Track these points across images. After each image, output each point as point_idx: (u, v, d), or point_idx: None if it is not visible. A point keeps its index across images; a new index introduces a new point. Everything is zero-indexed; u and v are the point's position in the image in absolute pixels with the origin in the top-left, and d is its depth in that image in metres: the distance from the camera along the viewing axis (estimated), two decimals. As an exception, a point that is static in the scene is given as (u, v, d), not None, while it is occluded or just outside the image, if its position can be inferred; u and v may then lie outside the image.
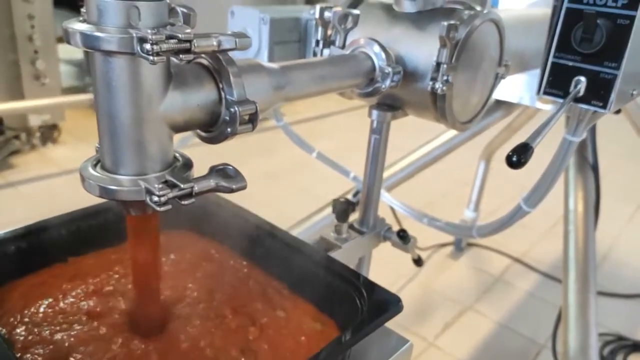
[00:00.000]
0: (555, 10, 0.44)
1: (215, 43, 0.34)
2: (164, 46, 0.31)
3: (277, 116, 0.90)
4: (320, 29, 0.62)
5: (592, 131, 0.94)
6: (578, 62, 0.44)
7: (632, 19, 0.39)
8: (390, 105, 0.62)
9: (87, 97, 2.42)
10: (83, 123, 2.87)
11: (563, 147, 0.57)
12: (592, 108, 0.45)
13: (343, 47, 0.59)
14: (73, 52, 3.99)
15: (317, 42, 0.63)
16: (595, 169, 0.93)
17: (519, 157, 0.42)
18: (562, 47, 0.45)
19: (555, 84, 0.46)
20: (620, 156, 1.41)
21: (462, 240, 1.97)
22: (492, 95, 0.62)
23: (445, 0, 0.61)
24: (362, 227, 0.68)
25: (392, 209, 1.08)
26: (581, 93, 0.45)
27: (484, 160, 1.85)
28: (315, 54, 0.63)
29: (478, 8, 0.62)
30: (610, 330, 1.63)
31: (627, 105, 1.31)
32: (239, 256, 0.55)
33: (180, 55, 0.33)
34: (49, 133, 2.60)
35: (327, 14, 0.61)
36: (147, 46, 0.31)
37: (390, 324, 1.33)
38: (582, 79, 0.44)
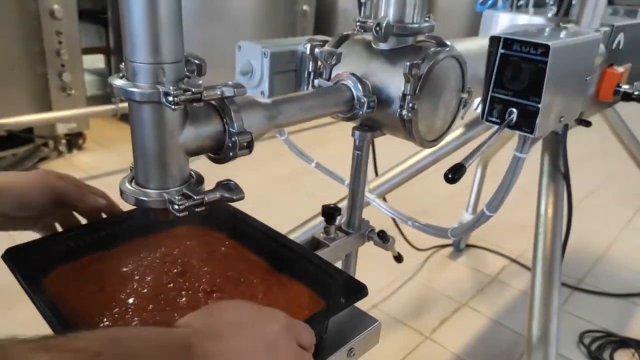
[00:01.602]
0: (491, 55, 0.55)
1: (219, 92, 0.47)
2: (182, 97, 0.44)
3: (281, 131, 1.02)
4: (311, 62, 0.75)
5: (564, 142, 1.04)
6: (510, 97, 0.55)
7: (546, 63, 0.50)
8: (370, 126, 0.73)
9: (109, 107, 2.58)
10: (106, 131, 3.04)
11: (514, 162, 0.68)
12: (523, 133, 0.56)
13: (329, 79, 0.71)
14: (96, 62, 4.18)
15: (309, 73, 0.76)
16: (566, 176, 1.03)
17: (453, 175, 0.53)
18: (498, 84, 0.56)
19: (494, 113, 0.58)
20: (622, 160, 1.49)
21: (460, 241, 2.07)
22: (457, 116, 0.74)
23: (416, 39, 0.72)
24: (348, 229, 0.79)
25: (393, 220, 1.16)
26: (514, 121, 0.56)
27: (481, 166, 1.95)
28: (307, 83, 0.76)
29: (448, 42, 0.73)
30: (601, 327, 1.71)
31: (608, 114, 1.41)
32: (255, 255, 0.64)
33: (194, 103, 0.45)
34: (75, 140, 2.77)
35: (316, 51, 0.73)
36: (170, 98, 0.43)
37: (387, 317, 1.52)
38: (514, 110, 0.55)
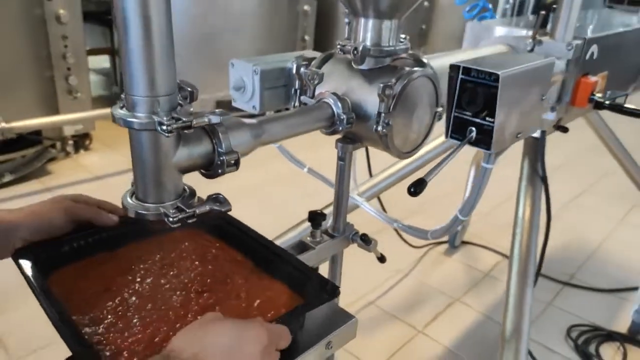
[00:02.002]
0: (452, 80, 0.62)
1: (207, 120, 0.53)
2: (174, 126, 0.50)
3: (273, 139, 1.08)
4: (297, 81, 0.81)
5: (542, 148, 1.10)
6: (470, 117, 0.61)
7: (497, 88, 0.56)
8: (352, 139, 0.80)
9: (115, 109, 2.65)
10: (112, 132, 3.11)
11: (482, 172, 0.74)
12: (481, 149, 0.62)
13: (313, 96, 0.78)
14: (102, 62, 4.26)
15: (295, 90, 0.82)
16: (544, 179, 1.10)
17: (415, 189, 0.60)
18: (459, 106, 0.62)
19: (457, 131, 0.64)
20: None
21: (455, 238, 2.13)
22: (432, 129, 0.80)
23: (392, 59, 0.78)
24: (333, 232, 0.86)
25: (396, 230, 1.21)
26: (473, 139, 0.62)
27: (474, 165, 2.01)
28: (294, 99, 0.82)
29: (425, 60, 0.79)
30: (588, 321, 1.78)
31: (592, 118, 1.46)
32: (242, 257, 0.71)
33: (185, 130, 0.52)
34: (81, 141, 2.85)
35: (302, 70, 0.80)
36: (163, 127, 0.50)
37: (382, 313, 1.61)
38: (473, 128, 0.62)
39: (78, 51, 2.65)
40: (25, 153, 2.54)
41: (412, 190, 0.60)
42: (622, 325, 1.76)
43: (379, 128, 0.71)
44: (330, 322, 0.65)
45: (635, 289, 1.77)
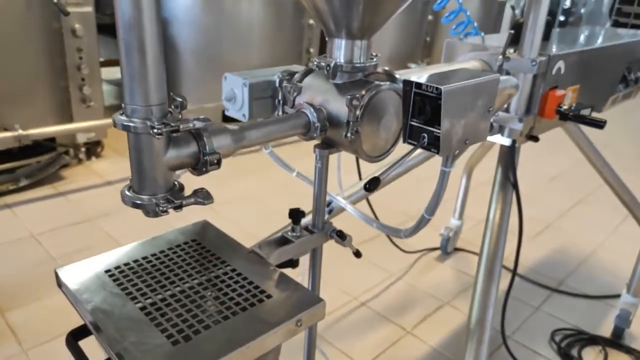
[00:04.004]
0: (407, 93, 0.71)
1: (192, 125, 0.64)
2: (164, 130, 0.61)
3: (265, 146, 1.19)
4: (280, 93, 0.91)
5: (512, 156, 1.19)
6: (422, 125, 0.71)
7: (441, 99, 0.66)
8: (328, 145, 0.90)
9: (125, 118, 2.78)
10: (123, 140, 3.24)
11: (441, 175, 0.84)
12: (433, 153, 0.72)
13: (293, 106, 0.88)
14: (115, 73, 4.43)
15: (279, 101, 0.92)
16: (515, 186, 1.18)
17: (370, 186, 0.69)
18: (412, 115, 0.72)
19: (412, 137, 0.73)
20: (617, 167, 1.62)
21: (447, 244, 2.21)
22: (400, 136, 0.89)
23: (365, 73, 0.88)
24: (313, 228, 0.95)
25: (389, 238, 1.31)
26: (426, 143, 0.71)
27: (466, 174, 2.09)
28: (278, 109, 0.92)
29: (397, 75, 0.89)
30: (573, 326, 1.84)
31: (571, 131, 1.54)
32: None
33: (173, 134, 0.62)
34: (94, 148, 2.99)
35: (284, 84, 0.90)
36: (155, 130, 0.60)
37: (373, 314, 1.73)
38: (425, 135, 0.71)
39: (92, 63, 2.79)
40: (40, 159, 2.68)
41: (367, 186, 0.70)
42: (605, 330, 1.82)
43: (349, 135, 0.81)
44: (302, 304, 0.74)
45: (620, 295, 1.83)
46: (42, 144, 2.72)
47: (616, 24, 7.08)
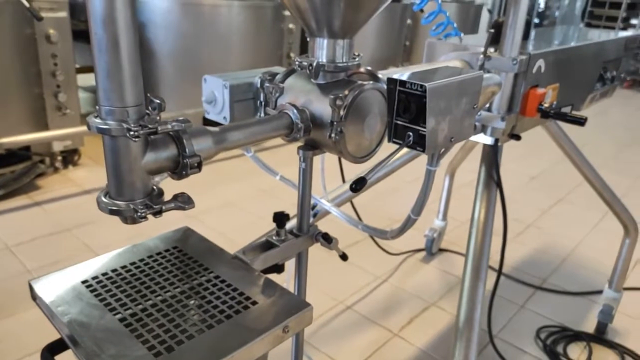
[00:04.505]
0: (391, 92, 0.70)
1: (170, 127, 0.61)
2: (141, 132, 0.58)
3: (247, 149, 1.16)
4: (262, 94, 0.89)
5: (495, 155, 1.19)
6: (407, 124, 0.70)
7: (425, 97, 0.65)
8: (312, 146, 0.88)
9: (103, 125, 2.73)
10: (100, 148, 3.17)
11: (427, 174, 0.83)
12: (418, 152, 0.70)
13: (275, 107, 0.86)
14: (91, 80, 4.35)
15: (260, 102, 0.90)
16: (499, 184, 1.18)
17: (356, 185, 0.67)
18: (398, 114, 0.71)
19: (397, 135, 0.72)
20: (596, 165, 1.64)
21: (432, 245, 2.21)
22: (384, 137, 0.88)
23: (347, 74, 0.87)
24: (298, 232, 0.94)
25: (374, 240, 1.30)
26: (411, 142, 0.70)
27: (449, 175, 2.10)
28: (260, 111, 0.90)
29: (380, 75, 0.88)
30: (558, 323, 1.85)
31: (552, 130, 1.56)
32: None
33: (151, 136, 0.60)
34: (70, 157, 2.91)
35: (266, 84, 0.88)
36: (131, 133, 0.58)
37: (359, 317, 1.70)
38: (411, 133, 0.70)
39: (67, 69, 2.73)
40: (14, 168, 2.60)
41: (353, 186, 0.68)
42: (589, 326, 1.84)
43: (333, 135, 0.79)
44: (289, 309, 0.72)
45: (602, 291, 1.85)
46: (17, 153, 2.64)
47: (588, 27, 7.25)
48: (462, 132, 0.74)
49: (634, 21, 7.18)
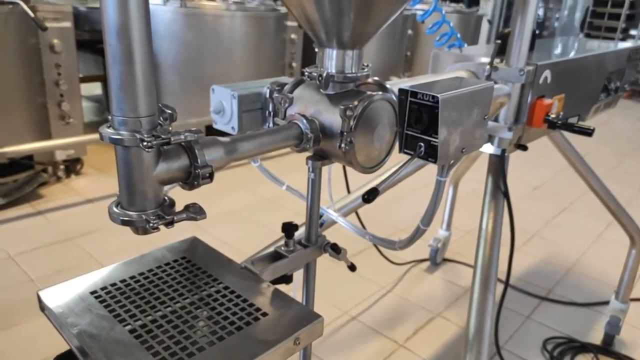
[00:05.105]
0: (402, 102, 0.70)
1: (183, 137, 0.61)
2: (154, 142, 0.58)
3: (254, 159, 1.16)
4: (270, 104, 0.89)
5: (502, 165, 1.18)
6: (419, 134, 0.69)
7: (438, 108, 0.65)
8: (321, 156, 0.88)
9: (106, 134, 2.73)
10: (103, 156, 3.19)
11: (437, 184, 0.82)
12: (430, 162, 0.70)
13: (284, 118, 0.86)
14: (94, 89, 4.36)
15: (269, 112, 0.90)
16: (506, 194, 1.18)
17: (369, 196, 0.67)
18: (409, 124, 0.70)
19: (409, 146, 0.72)
20: (600, 174, 1.64)
21: (436, 256, 2.20)
22: (393, 147, 0.88)
23: (356, 84, 0.87)
24: (306, 242, 0.93)
25: (378, 249, 1.30)
26: (423, 153, 0.70)
27: (453, 185, 2.10)
28: (268, 121, 0.90)
29: (388, 85, 0.88)
30: (564, 334, 1.84)
31: (557, 140, 1.56)
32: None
33: (163, 146, 0.60)
34: (73, 166, 2.91)
35: (275, 94, 0.88)
36: (145, 143, 0.58)
37: (364, 328, 1.69)
38: (422, 144, 0.70)
39: (71, 79, 2.74)
40: (17, 177, 2.60)
41: (365, 197, 0.68)
42: (596, 337, 1.83)
43: (342, 145, 0.79)
44: (299, 321, 0.72)
45: (608, 302, 1.84)
46: (20, 162, 2.64)
47: (588, 37, 7.30)
48: (473, 143, 0.74)
49: (633, 32, 7.22)
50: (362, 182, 1.48)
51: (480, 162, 1.71)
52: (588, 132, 1.10)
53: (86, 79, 3.78)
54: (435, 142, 0.67)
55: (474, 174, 2.08)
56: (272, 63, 3.82)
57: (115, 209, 0.64)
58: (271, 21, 3.67)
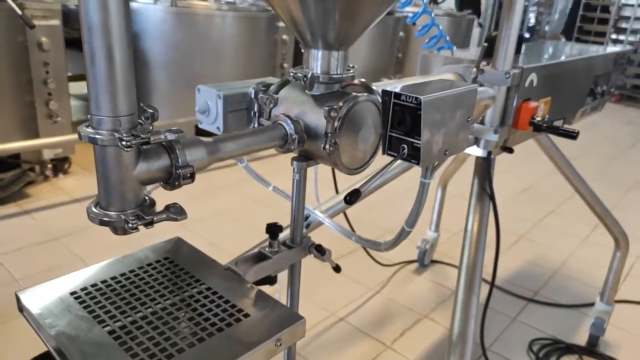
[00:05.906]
0: (386, 104, 0.70)
1: (163, 137, 0.61)
2: (133, 142, 0.57)
3: (240, 159, 1.16)
4: (256, 104, 0.89)
5: (489, 168, 1.19)
6: (402, 136, 0.70)
7: (420, 110, 0.65)
8: (306, 157, 0.87)
9: (94, 133, 2.71)
10: (91, 155, 3.15)
11: (421, 186, 0.83)
12: (412, 164, 0.70)
13: (269, 118, 0.86)
14: (82, 88, 4.32)
15: (254, 113, 0.90)
16: (492, 196, 1.18)
17: (351, 198, 0.67)
18: (392, 126, 0.71)
19: (392, 148, 0.72)
20: (586, 177, 1.65)
21: (424, 258, 2.20)
22: (378, 148, 0.88)
23: (342, 85, 0.87)
24: (291, 243, 0.93)
25: (367, 251, 1.30)
26: (406, 154, 0.70)
27: (441, 187, 2.10)
28: (253, 121, 0.90)
29: (374, 87, 0.88)
30: (549, 335, 1.85)
31: (544, 143, 1.57)
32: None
33: (143, 146, 0.59)
34: (60, 165, 2.88)
35: (260, 95, 0.88)
36: (124, 142, 0.57)
37: (352, 329, 1.69)
38: (405, 146, 0.70)
39: (59, 77, 2.72)
40: (3, 176, 2.57)
41: (347, 199, 0.68)
42: (581, 338, 1.84)
43: (327, 146, 0.79)
44: (281, 322, 0.71)
45: (593, 304, 1.85)
46: (6, 160, 2.61)
47: (578, 42, 7.37)
48: (456, 145, 0.74)
49: (621, 37, 7.30)
50: (351, 183, 1.48)
51: (469, 164, 1.72)
52: (572, 135, 1.11)
53: (75, 78, 3.74)
54: (418, 144, 0.68)
55: (462, 175, 2.09)
56: (263, 63, 3.81)
57: (94, 209, 0.64)
58: (263, 22, 3.66)
